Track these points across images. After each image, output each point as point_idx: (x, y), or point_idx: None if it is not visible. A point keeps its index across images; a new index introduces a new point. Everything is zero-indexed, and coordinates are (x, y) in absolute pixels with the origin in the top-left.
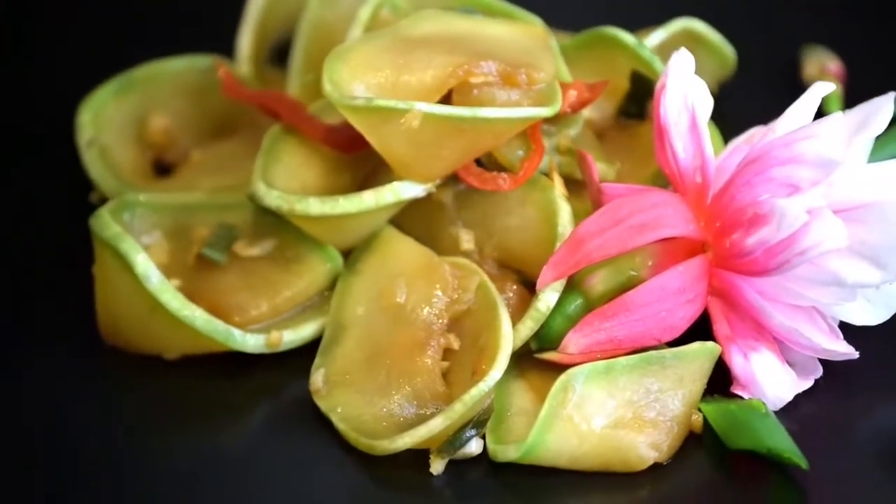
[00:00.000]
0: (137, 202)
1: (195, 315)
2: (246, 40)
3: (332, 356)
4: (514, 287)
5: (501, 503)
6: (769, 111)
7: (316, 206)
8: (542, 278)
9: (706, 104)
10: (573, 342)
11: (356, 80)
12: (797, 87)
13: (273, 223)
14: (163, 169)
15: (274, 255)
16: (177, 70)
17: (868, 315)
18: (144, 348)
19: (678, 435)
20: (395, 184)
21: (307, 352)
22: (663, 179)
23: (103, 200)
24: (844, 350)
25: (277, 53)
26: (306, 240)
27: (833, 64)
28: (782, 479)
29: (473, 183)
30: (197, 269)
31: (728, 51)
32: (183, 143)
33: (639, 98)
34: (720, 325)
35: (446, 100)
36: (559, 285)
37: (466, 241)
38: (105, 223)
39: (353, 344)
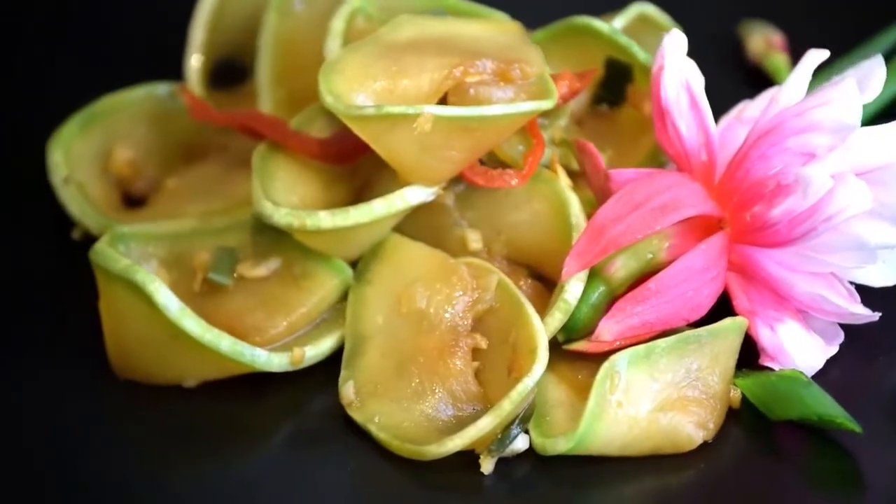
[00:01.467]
0: (130, 234)
1: (220, 339)
2: (195, 63)
3: (358, 367)
4: (528, 282)
5: (554, 495)
6: (719, 88)
7: (327, 219)
8: (566, 269)
9: (701, 81)
10: (607, 329)
11: (355, 91)
12: (742, 64)
13: (273, 241)
14: (132, 201)
15: (281, 274)
16: (135, 100)
17: (885, 276)
18: (163, 379)
19: (721, 412)
20: (404, 189)
21: (321, 366)
22: (653, 163)
23: (88, 236)
24: (867, 313)
25: (215, 75)
26: (311, 255)
27: (776, 37)
28: (826, 445)
29: (480, 182)
30: (204, 296)
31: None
32: (149, 173)
33: (614, 84)
34: (741, 300)
35: (442, 102)
36: (583, 275)
37: (474, 240)
38: (112, 257)
39: (378, 353)
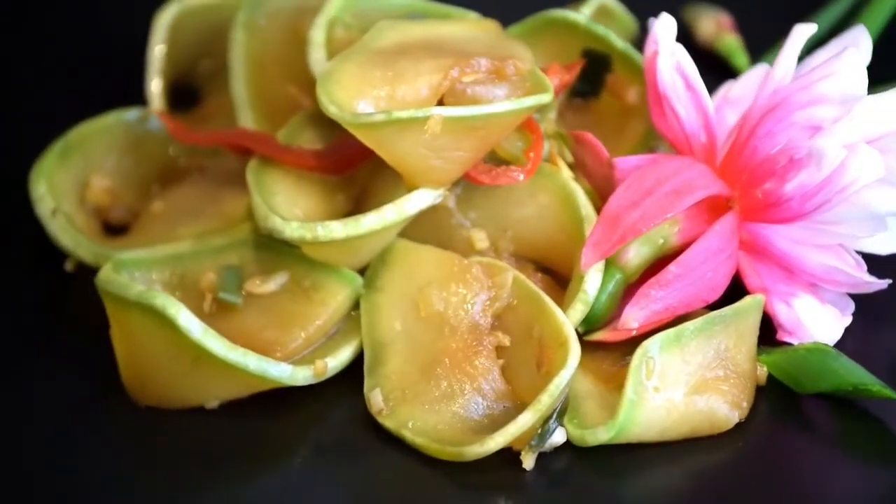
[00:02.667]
0: (132, 261)
1: (245, 357)
2: (156, 86)
3: (382, 375)
4: (538, 276)
5: (597, 485)
6: None
7: (339, 229)
8: (585, 260)
9: (692, 63)
10: (632, 316)
11: (356, 99)
12: (693, 48)
13: (277, 256)
14: (111, 230)
15: (290, 288)
16: (106, 127)
17: (893, 243)
18: (184, 402)
19: (751, 390)
20: (413, 193)
21: (338, 376)
22: (642, 150)
23: (82, 267)
24: (878, 281)
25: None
26: (319, 266)
27: (724, 18)
28: (855, 415)
29: (485, 181)
30: (215, 316)
31: (631, 21)
32: (127, 200)
33: (592, 75)
34: (752, 278)
35: (439, 104)
36: (600, 265)
37: (480, 240)
38: (125, 284)
39: (401, 359)
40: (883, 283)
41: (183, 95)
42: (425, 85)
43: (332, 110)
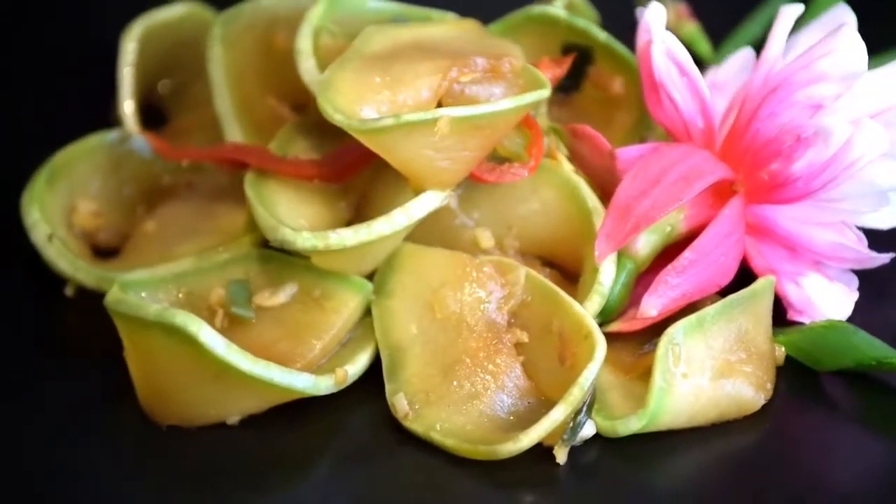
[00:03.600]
0: (139, 281)
1: (270, 370)
2: (128, 107)
3: (403, 379)
4: (546, 271)
5: (630, 474)
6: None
7: (350, 236)
8: (599, 252)
9: (684, 49)
10: (651, 305)
11: (359, 105)
12: None
13: (282, 268)
14: (99, 252)
15: (300, 299)
16: (88, 150)
17: (891, 217)
18: (205, 419)
19: (773, 371)
20: (421, 196)
21: (353, 384)
22: (632, 140)
23: (83, 292)
24: (882, 255)
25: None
26: (327, 275)
27: (681, 6)
28: (875, 390)
29: (490, 179)
30: (228, 332)
31: (593, 14)
32: (113, 222)
33: (574, 69)
34: (758, 260)
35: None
36: (613, 257)
37: (486, 239)
38: (140, 304)
39: (421, 362)
40: (887, 257)
41: (145, 115)
42: (425, 87)
43: (337, 118)
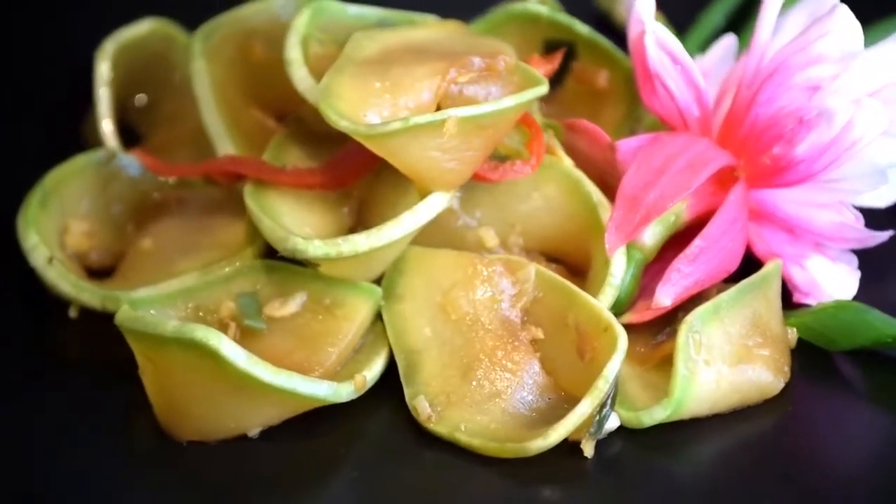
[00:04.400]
0: (147, 299)
1: (293, 380)
2: (107, 126)
3: (422, 382)
4: (552, 267)
5: (656, 465)
6: None
7: (362, 242)
8: (610, 245)
9: (675, 39)
10: (665, 294)
11: (363, 111)
12: (617, 34)
13: (290, 278)
14: (91, 273)
15: (311, 307)
16: (76, 170)
17: (890, 195)
18: (226, 433)
19: (788, 353)
20: (428, 198)
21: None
22: (621, 133)
23: (87, 312)
24: (881, 233)
25: None
26: (335, 283)
27: None
28: (887, 368)
29: (494, 178)
30: (241, 344)
31: (559, 8)
32: (104, 242)
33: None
34: (759, 244)
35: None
36: (623, 249)
37: (490, 238)
38: (158, 321)
39: (438, 364)
40: (886, 235)
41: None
42: (426, 89)
43: (343, 125)
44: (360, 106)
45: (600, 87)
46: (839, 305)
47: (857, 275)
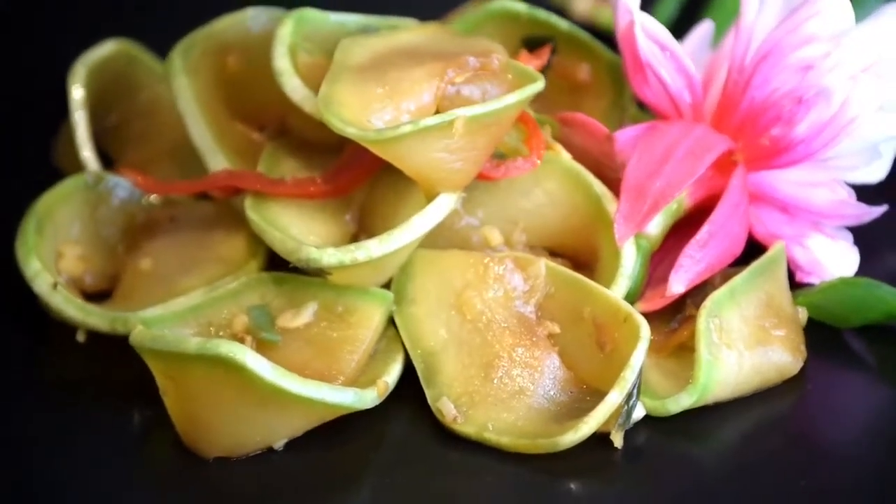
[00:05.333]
0: (159, 318)
1: (321, 389)
2: (87, 149)
3: (443, 383)
4: (558, 261)
5: (684, 452)
6: None
7: (375, 248)
8: (620, 235)
9: (662, 27)
10: (678, 281)
11: (367, 117)
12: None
13: (299, 288)
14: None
15: (324, 317)
16: (66, 194)
17: (881, 170)
18: (253, 447)
19: (801, 333)
20: (437, 200)
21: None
22: (607, 124)
23: (95, 336)
24: (877, 208)
25: None
26: (345, 290)
27: None
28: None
29: (497, 176)
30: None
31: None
32: (98, 265)
33: None
34: (758, 227)
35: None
36: (632, 239)
37: (495, 236)
38: (179, 339)
39: (458, 365)
40: (881, 210)
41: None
42: (425, 91)
43: (350, 131)
44: (362, 112)
45: (581, 81)
46: (847, 282)
47: (856, 251)
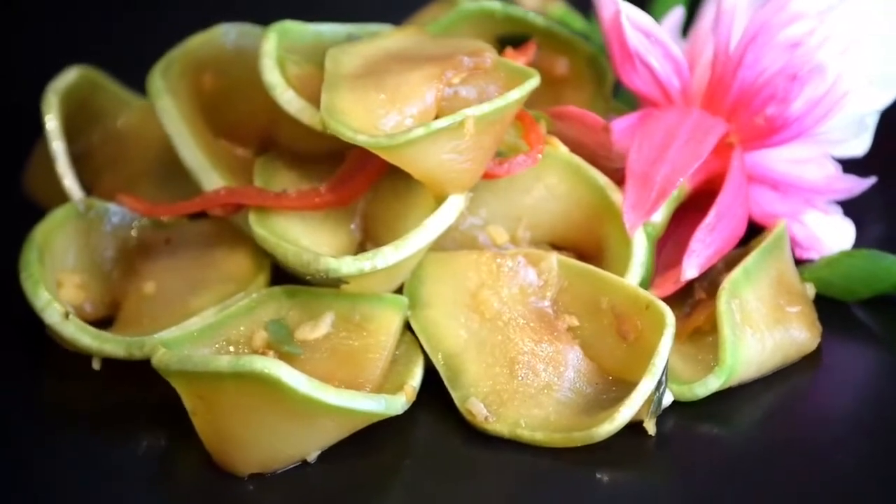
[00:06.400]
0: (178, 339)
1: (356, 398)
2: (69, 178)
3: (470, 384)
4: (564, 254)
5: (715, 434)
6: None
7: (392, 253)
8: (630, 224)
9: (646, 15)
10: (691, 266)
11: (374, 124)
12: None
13: (313, 300)
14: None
15: (342, 326)
16: (60, 223)
17: (864, 143)
18: (287, 461)
19: (813, 308)
20: (449, 200)
21: None
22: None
23: (112, 362)
24: (866, 181)
25: None
26: (360, 299)
27: None
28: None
29: (501, 174)
30: None
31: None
32: (95, 292)
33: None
34: (755, 207)
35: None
36: (642, 227)
37: (500, 234)
38: (210, 359)
39: (482, 364)
40: (870, 181)
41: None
42: (426, 93)
43: (361, 139)
44: (368, 119)
45: (560, 75)
46: (852, 255)
47: (851, 223)
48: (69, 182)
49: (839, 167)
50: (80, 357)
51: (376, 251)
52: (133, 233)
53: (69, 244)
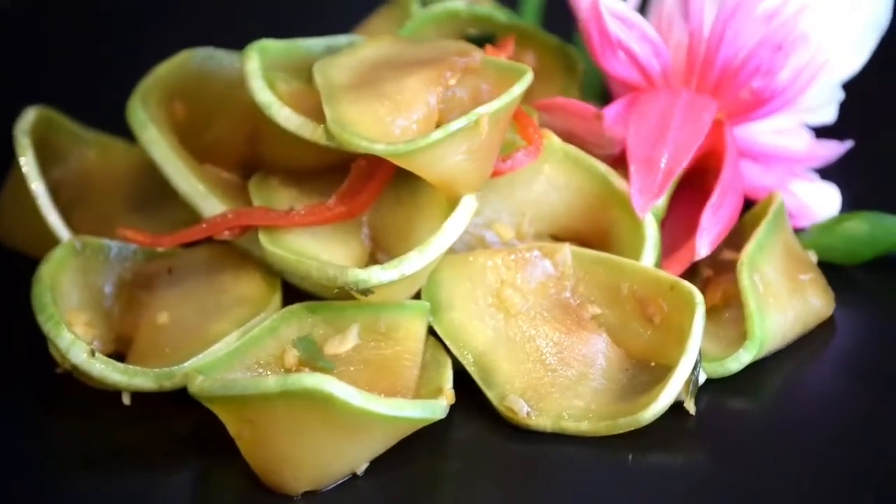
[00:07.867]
0: (209, 365)
1: (405, 407)
2: (54, 218)
3: (504, 382)
4: (572, 244)
5: (751, 408)
6: None
7: (418, 260)
8: (640, 208)
9: (620, 1)
10: (703, 243)
11: (387, 132)
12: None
13: (333, 315)
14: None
15: (370, 337)
16: (61, 262)
17: (834, 110)
18: (339, 476)
19: (821, 274)
20: (463, 201)
21: None
22: None
23: (143, 396)
24: (844, 144)
25: None
26: (381, 308)
27: None
28: None
29: (506, 170)
30: None
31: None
32: (103, 330)
33: None
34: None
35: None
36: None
37: (506, 231)
38: (256, 381)
39: (514, 361)
40: (848, 144)
41: None
42: (428, 97)
43: (378, 148)
44: (377, 128)
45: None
46: (849, 217)
47: (836, 188)
48: (54, 221)
49: (812, 134)
50: (95, 396)
51: (402, 258)
52: (132, 266)
53: (71, 283)
